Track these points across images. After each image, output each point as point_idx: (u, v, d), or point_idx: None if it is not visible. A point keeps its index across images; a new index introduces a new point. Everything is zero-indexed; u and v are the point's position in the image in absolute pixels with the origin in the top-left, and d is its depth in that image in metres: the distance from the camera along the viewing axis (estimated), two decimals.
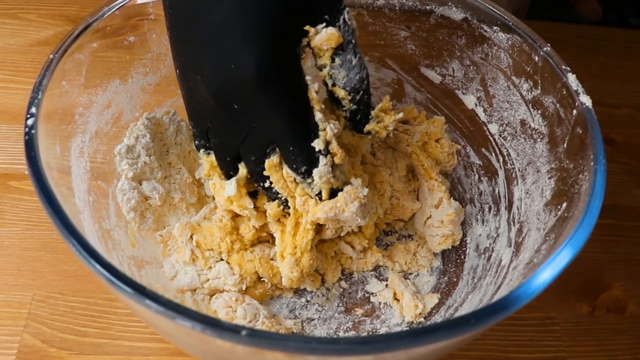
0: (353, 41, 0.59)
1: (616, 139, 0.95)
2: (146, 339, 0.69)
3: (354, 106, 0.62)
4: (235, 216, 0.72)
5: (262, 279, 0.71)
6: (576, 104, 0.62)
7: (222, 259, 0.71)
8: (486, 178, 0.79)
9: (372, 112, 0.64)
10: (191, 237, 0.71)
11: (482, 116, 0.78)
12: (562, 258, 0.50)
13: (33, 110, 0.55)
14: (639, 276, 0.81)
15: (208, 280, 0.70)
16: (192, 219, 0.75)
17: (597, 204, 0.54)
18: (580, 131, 0.61)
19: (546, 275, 0.49)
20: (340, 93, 0.60)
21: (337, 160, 0.60)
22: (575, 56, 1.06)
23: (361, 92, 0.61)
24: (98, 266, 0.46)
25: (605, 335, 0.75)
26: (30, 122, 0.54)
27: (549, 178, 0.66)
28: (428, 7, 0.78)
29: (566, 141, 0.64)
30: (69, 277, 0.73)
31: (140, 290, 0.45)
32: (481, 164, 0.80)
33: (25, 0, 1.03)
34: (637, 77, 1.05)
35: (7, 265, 0.73)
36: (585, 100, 0.61)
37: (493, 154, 0.77)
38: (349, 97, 0.61)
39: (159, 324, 0.52)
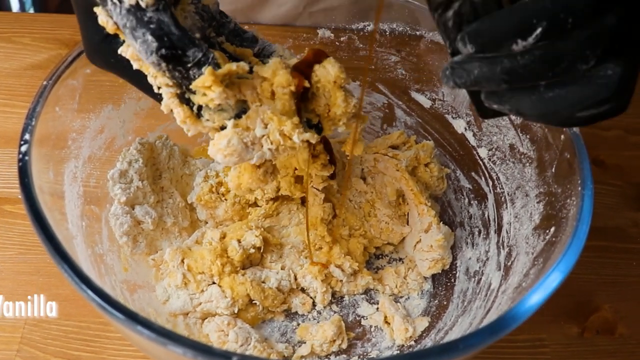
0: None
1: (606, 161, 0.96)
2: None
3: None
4: (224, 237, 0.73)
5: (253, 302, 0.71)
6: (564, 128, 0.62)
7: (213, 283, 0.71)
8: (476, 202, 0.80)
9: None
10: (182, 261, 0.71)
11: (472, 140, 0.79)
12: (550, 282, 0.51)
13: (27, 137, 0.56)
14: (629, 298, 0.81)
15: (200, 303, 0.70)
16: (184, 243, 0.75)
17: (585, 229, 0.54)
18: (568, 156, 0.62)
19: (535, 299, 0.50)
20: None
21: None
22: None
23: None
24: (90, 292, 0.47)
25: (595, 356, 0.76)
26: (23, 148, 0.55)
27: (538, 202, 0.67)
28: (418, 32, 0.79)
29: (554, 166, 0.65)
30: (62, 301, 0.73)
31: (132, 316, 0.45)
32: (471, 187, 0.81)
33: (20, 24, 1.04)
34: None
35: (0, 289, 0.73)
36: None
37: (482, 178, 0.78)
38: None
39: (151, 350, 0.53)
